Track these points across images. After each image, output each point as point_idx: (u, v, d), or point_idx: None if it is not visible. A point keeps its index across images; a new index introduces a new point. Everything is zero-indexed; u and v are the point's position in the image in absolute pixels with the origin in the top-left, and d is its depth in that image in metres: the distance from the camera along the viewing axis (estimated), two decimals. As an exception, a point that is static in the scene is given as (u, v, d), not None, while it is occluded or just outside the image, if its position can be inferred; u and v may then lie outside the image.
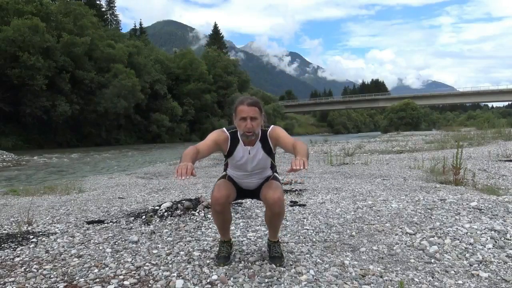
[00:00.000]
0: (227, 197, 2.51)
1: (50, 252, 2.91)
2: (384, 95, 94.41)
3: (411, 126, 57.59)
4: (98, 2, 63.97)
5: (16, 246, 3.07)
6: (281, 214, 2.54)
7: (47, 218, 4.22)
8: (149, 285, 2.29)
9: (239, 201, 4.59)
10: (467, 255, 2.75)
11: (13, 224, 3.97)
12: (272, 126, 2.58)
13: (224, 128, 2.60)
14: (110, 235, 3.33)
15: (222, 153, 2.62)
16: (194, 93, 56.65)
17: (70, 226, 3.75)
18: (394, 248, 2.91)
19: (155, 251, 2.85)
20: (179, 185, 7.12)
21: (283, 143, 2.48)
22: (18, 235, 3.37)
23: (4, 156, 20.34)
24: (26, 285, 2.32)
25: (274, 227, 2.64)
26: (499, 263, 2.63)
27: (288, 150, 2.47)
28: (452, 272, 2.51)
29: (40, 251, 2.93)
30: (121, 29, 69.97)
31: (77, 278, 2.40)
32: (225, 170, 2.74)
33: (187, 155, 2.30)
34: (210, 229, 3.41)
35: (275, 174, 2.73)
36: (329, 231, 3.35)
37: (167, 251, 2.84)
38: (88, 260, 2.70)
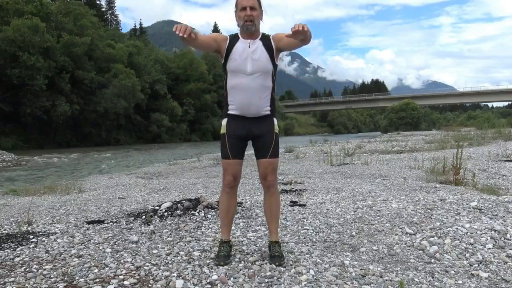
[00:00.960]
0: (238, 176, 2.65)
1: (50, 252, 2.91)
2: (384, 95, 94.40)
3: (411, 126, 57.58)
4: (98, 2, 64.02)
5: (16, 246, 3.07)
6: (276, 194, 2.69)
7: (47, 218, 4.22)
8: (149, 285, 2.29)
9: (239, 201, 4.59)
10: (467, 255, 2.75)
11: (13, 224, 3.97)
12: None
13: None
14: (110, 235, 3.33)
15: (220, 57, 2.60)
16: (194, 93, 56.65)
17: (70, 226, 3.75)
18: (394, 248, 2.91)
19: (155, 251, 2.85)
20: (179, 185, 7.12)
21: (286, 40, 2.51)
22: (18, 235, 3.37)
23: (4, 156, 20.34)
24: (26, 285, 2.32)
25: (274, 217, 2.68)
26: (499, 263, 2.63)
27: (294, 44, 2.49)
28: (452, 272, 2.51)
29: (40, 251, 2.93)
30: (121, 29, 69.98)
31: (77, 278, 2.40)
32: (225, 113, 2.67)
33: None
34: (210, 229, 3.41)
35: (275, 122, 2.68)
36: (329, 231, 3.35)
37: (167, 251, 2.84)
38: (88, 260, 2.70)
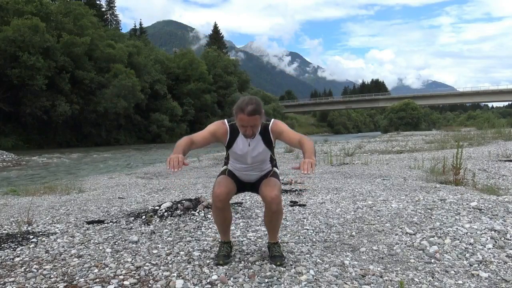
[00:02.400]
0: (227, 193, 2.54)
1: (50, 252, 2.91)
2: (384, 95, 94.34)
3: (411, 126, 57.51)
4: (98, 2, 64.03)
5: (16, 246, 3.07)
6: (279, 213, 2.57)
7: (47, 218, 4.21)
8: (149, 285, 2.29)
9: (239, 201, 4.60)
10: (467, 255, 2.75)
11: (13, 224, 3.97)
12: (273, 120, 2.59)
13: (225, 120, 2.60)
14: (110, 235, 3.33)
15: (222, 144, 2.63)
16: (194, 93, 56.64)
17: (70, 226, 3.75)
18: (394, 248, 2.91)
19: (155, 251, 2.85)
20: (179, 185, 7.12)
21: (287, 138, 2.51)
22: (18, 235, 3.36)
23: (4, 156, 20.33)
24: (26, 285, 2.32)
25: (273, 228, 2.65)
26: (499, 263, 2.63)
27: (293, 145, 2.50)
28: (452, 272, 2.51)
29: (40, 251, 2.93)
30: (121, 29, 70.00)
31: (77, 278, 2.40)
32: (225, 163, 2.75)
33: (180, 146, 2.34)
34: (210, 229, 3.41)
35: (275, 169, 2.73)
36: (329, 231, 3.35)
37: (167, 251, 2.84)
38: (88, 260, 2.70)
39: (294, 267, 2.50)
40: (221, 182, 2.59)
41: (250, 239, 3.12)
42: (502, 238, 2.99)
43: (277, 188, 2.54)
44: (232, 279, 2.34)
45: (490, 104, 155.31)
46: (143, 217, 3.89)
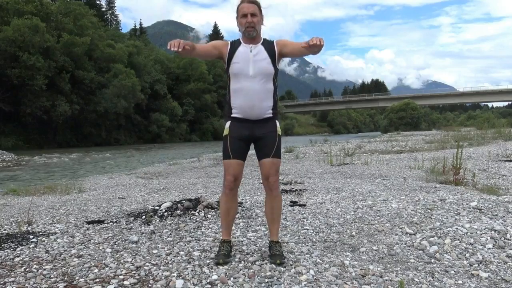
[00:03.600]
0: (238, 176, 2.64)
1: (50, 252, 2.91)
2: (384, 95, 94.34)
3: (411, 126, 57.51)
4: (98, 2, 64.01)
5: (16, 246, 3.07)
6: (279, 197, 2.69)
7: (47, 218, 4.21)
8: (149, 285, 2.29)
9: (239, 201, 4.59)
10: (467, 255, 2.75)
11: (13, 224, 3.97)
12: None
13: None
14: (110, 235, 3.33)
15: (223, 63, 2.67)
16: (194, 93, 56.69)
17: (70, 226, 3.75)
18: (394, 248, 2.91)
19: (155, 251, 2.85)
20: (179, 185, 7.12)
21: (291, 47, 2.58)
22: (18, 235, 3.37)
23: (4, 156, 20.33)
24: (26, 285, 2.32)
25: (276, 218, 2.69)
26: (499, 263, 2.63)
27: (300, 50, 2.52)
28: (452, 272, 2.51)
29: (40, 251, 2.93)
30: (121, 29, 70.02)
31: (77, 278, 2.40)
32: (228, 113, 2.68)
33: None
34: (210, 229, 3.41)
35: (277, 124, 2.68)
36: (329, 231, 3.35)
37: (167, 251, 2.84)
38: (88, 260, 2.70)
39: (294, 267, 2.50)
40: (228, 168, 2.63)
41: (250, 239, 3.12)
42: (502, 238, 2.99)
43: (278, 169, 2.65)
44: (232, 279, 2.34)
45: (490, 104, 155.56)
46: (143, 217, 3.89)
